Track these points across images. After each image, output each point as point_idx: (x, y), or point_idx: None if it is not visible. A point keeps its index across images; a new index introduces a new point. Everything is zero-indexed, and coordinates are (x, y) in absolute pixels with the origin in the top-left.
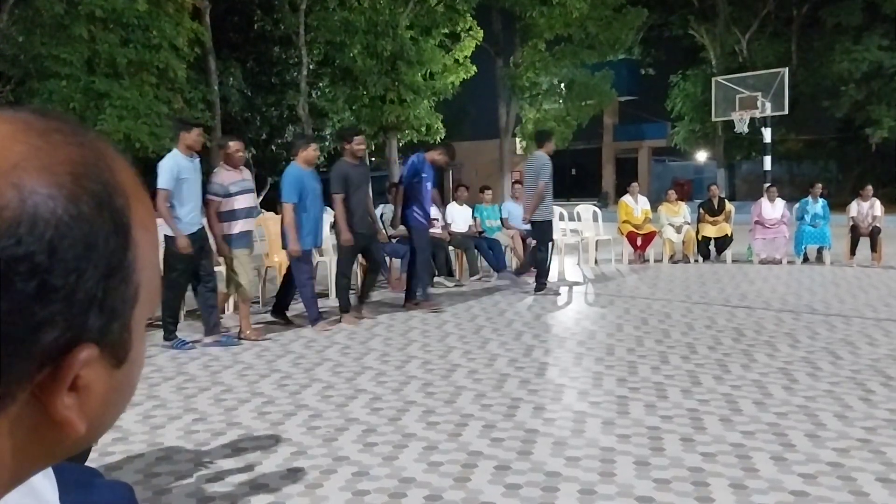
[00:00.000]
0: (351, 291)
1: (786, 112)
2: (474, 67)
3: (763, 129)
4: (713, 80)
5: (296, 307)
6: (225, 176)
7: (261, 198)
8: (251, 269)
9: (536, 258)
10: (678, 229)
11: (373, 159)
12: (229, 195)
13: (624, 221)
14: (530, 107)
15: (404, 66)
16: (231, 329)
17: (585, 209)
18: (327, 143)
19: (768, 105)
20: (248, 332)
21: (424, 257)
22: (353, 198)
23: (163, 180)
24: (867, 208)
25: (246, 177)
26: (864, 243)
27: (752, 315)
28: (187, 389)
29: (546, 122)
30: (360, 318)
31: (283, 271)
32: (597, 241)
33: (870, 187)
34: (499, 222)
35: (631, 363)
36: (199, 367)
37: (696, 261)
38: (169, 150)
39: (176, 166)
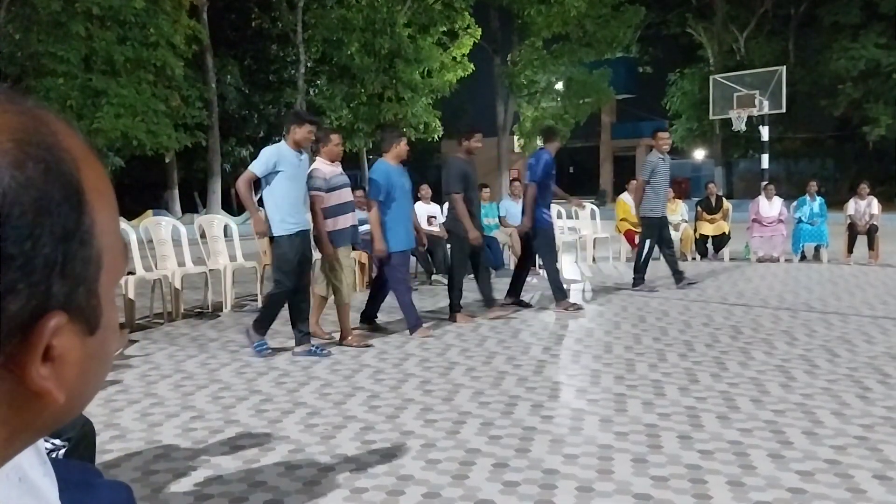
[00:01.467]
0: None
1: (783, 110)
2: (472, 65)
3: (761, 127)
4: (711, 78)
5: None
6: (326, 170)
7: (258, 196)
8: (350, 270)
9: (639, 252)
10: (676, 227)
11: (370, 157)
12: (332, 189)
13: (622, 219)
14: (528, 105)
15: (402, 64)
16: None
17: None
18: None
19: (766, 103)
20: (349, 338)
21: (552, 258)
22: (469, 196)
23: (255, 163)
24: (864, 206)
25: (342, 170)
26: (862, 241)
27: (749, 313)
28: (185, 387)
29: (544, 121)
30: (469, 319)
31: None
32: (595, 239)
33: (866, 185)
34: (496, 220)
35: (629, 361)
36: (197, 364)
37: (694, 259)
38: (160, 148)
39: (276, 155)
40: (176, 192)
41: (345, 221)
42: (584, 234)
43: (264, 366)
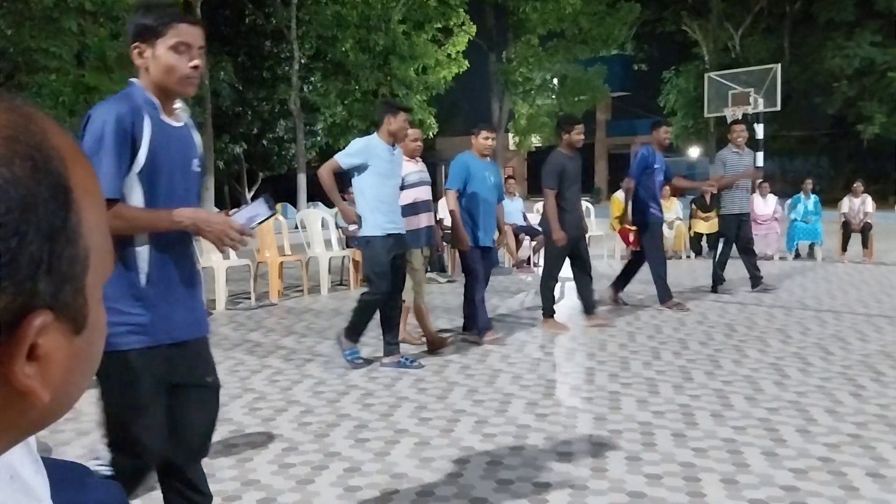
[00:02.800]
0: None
1: (778, 108)
2: (467, 62)
3: (755, 125)
4: (706, 75)
5: (288, 304)
6: (403, 165)
7: (251, 193)
8: (422, 273)
9: (719, 254)
10: (670, 225)
11: None
12: (407, 187)
13: (616, 217)
14: (523, 102)
15: (397, 61)
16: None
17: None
18: (318, 139)
19: (761, 101)
20: (435, 341)
21: (659, 257)
22: (566, 193)
23: (342, 152)
24: (858, 204)
25: (422, 167)
26: (856, 239)
27: (743, 311)
28: None
29: (539, 118)
30: (563, 327)
31: (275, 267)
32: (589, 237)
33: (861, 183)
34: None
35: (623, 359)
36: None
37: (688, 256)
38: None
39: (366, 149)
40: None
41: (419, 221)
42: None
43: (258, 364)
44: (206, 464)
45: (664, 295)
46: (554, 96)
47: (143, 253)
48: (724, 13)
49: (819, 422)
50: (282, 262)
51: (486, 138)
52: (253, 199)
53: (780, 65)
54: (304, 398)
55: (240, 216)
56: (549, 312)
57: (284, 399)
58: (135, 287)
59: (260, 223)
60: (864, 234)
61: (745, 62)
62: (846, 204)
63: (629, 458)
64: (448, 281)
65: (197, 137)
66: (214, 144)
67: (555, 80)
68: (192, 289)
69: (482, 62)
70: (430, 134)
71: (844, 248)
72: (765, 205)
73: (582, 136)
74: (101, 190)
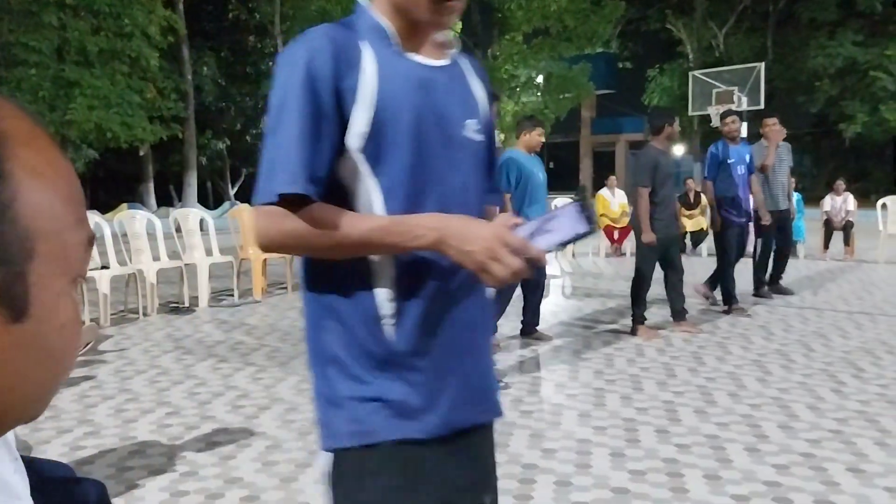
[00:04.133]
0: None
1: (762, 107)
2: None
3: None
4: (690, 74)
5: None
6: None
7: (235, 189)
8: None
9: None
10: None
11: None
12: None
13: (601, 215)
14: (508, 99)
15: None
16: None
17: (563, 202)
18: None
19: (744, 99)
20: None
21: (730, 260)
22: (660, 191)
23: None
24: (840, 203)
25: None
26: (838, 237)
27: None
28: (160, 383)
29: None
30: (654, 335)
31: (259, 264)
32: None
33: (842, 182)
34: None
35: (607, 355)
36: (172, 360)
37: None
38: (135, 140)
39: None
40: (151, 185)
41: None
42: None
43: (241, 361)
44: (188, 461)
45: (728, 300)
46: (539, 94)
47: (381, 294)
48: (708, 12)
49: (801, 418)
50: (266, 259)
51: (540, 134)
52: (235, 194)
53: (763, 63)
54: (288, 396)
55: (536, 231)
56: (640, 319)
57: (268, 397)
58: (379, 343)
59: (570, 243)
60: (845, 231)
61: (729, 61)
62: (828, 202)
63: (613, 454)
64: None
65: (477, 86)
66: (197, 140)
67: (540, 78)
68: (478, 344)
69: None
70: None
71: (826, 246)
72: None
73: (680, 129)
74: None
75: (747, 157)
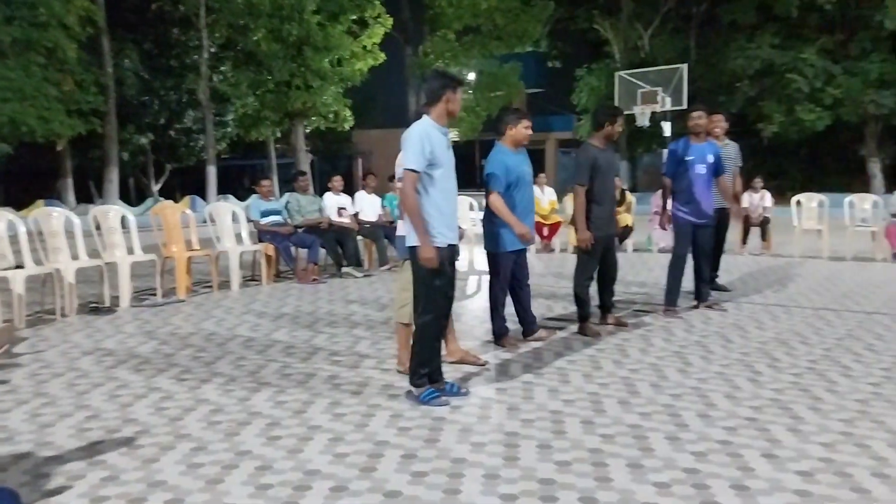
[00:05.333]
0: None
1: (685, 107)
2: (383, 55)
3: (663, 122)
4: (616, 74)
5: (206, 300)
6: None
7: (159, 185)
8: None
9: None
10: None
11: (277, 146)
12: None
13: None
14: None
15: (311, 52)
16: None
17: (462, 201)
18: (229, 130)
19: (668, 100)
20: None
21: (680, 256)
22: (598, 189)
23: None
24: (758, 199)
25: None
26: (755, 233)
27: (650, 301)
28: (79, 386)
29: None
30: (597, 332)
31: (183, 263)
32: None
33: (760, 179)
34: None
35: (536, 350)
36: (92, 362)
37: None
38: (52, 134)
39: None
40: (69, 181)
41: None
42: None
43: (164, 362)
44: (109, 466)
45: (668, 298)
46: (470, 91)
47: None
48: (634, 13)
49: (719, 406)
50: (190, 257)
51: (527, 127)
52: (160, 191)
53: (686, 65)
54: (213, 397)
55: None
56: (584, 317)
57: (193, 398)
58: None
59: None
60: (762, 227)
61: (654, 62)
62: (746, 199)
63: (540, 446)
64: (365, 275)
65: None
66: (119, 135)
67: (471, 75)
68: None
69: (398, 55)
70: (346, 126)
71: (744, 241)
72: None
73: (622, 129)
74: None
75: (710, 157)
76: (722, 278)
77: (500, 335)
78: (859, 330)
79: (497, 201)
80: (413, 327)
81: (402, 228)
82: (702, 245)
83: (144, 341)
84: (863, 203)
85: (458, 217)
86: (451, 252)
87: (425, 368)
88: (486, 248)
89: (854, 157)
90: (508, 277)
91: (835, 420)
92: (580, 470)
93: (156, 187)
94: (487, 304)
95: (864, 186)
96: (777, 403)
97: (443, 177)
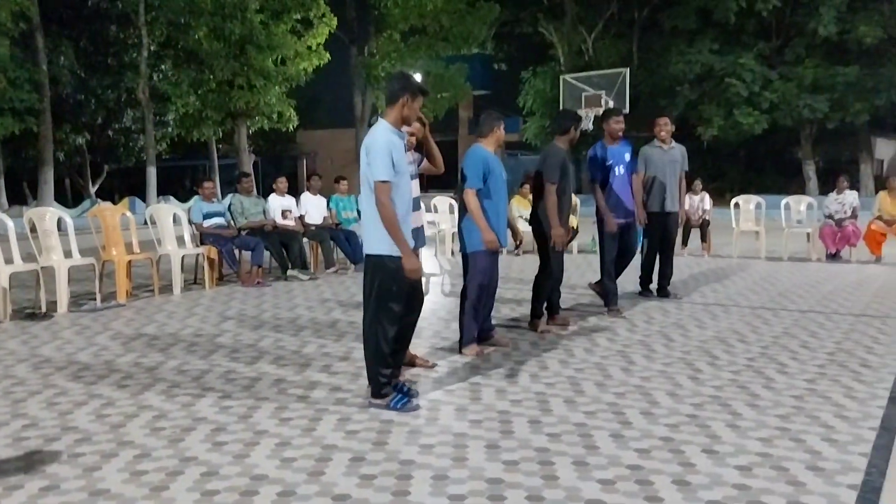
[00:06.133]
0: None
1: (627, 110)
2: (328, 55)
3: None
4: (561, 77)
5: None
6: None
7: (96, 186)
8: None
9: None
10: (528, 221)
11: (219, 147)
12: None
13: None
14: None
15: (254, 51)
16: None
17: (442, 201)
18: (169, 130)
19: (611, 103)
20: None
21: (611, 258)
22: (560, 189)
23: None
24: (698, 202)
25: (416, 158)
26: (696, 234)
27: (595, 301)
28: (15, 394)
29: None
30: (547, 330)
31: (123, 266)
32: (453, 233)
33: (700, 182)
34: (355, 213)
35: (484, 351)
36: (29, 369)
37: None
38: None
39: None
40: (1, 181)
41: (416, 220)
42: (444, 227)
43: (104, 368)
44: (48, 475)
45: (610, 300)
46: None
47: None
48: (578, 17)
49: (661, 404)
50: (130, 261)
51: (504, 129)
52: (96, 192)
53: (629, 69)
54: (156, 403)
55: None
56: (538, 314)
57: (135, 404)
58: None
59: None
60: (702, 229)
61: (598, 65)
62: (687, 201)
63: (488, 446)
64: (311, 278)
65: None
66: (54, 134)
67: (418, 76)
68: None
69: (344, 55)
70: (291, 127)
71: (685, 243)
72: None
73: (576, 136)
74: None
75: (627, 157)
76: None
77: (468, 342)
78: (795, 328)
79: (473, 201)
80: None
81: (367, 232)
82: (628, 242)
83: (83, 347)
84: (798, 205)
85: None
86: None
87: (384, 378)
88: (462, 249)
89: (790, 160)
90: (487, 279)
91: (772, 416)
92: (527, 469)
93: (93, 188)
94: (456, 307)
95: (799, 188)
96: (717, 400)
97: (403, 183)
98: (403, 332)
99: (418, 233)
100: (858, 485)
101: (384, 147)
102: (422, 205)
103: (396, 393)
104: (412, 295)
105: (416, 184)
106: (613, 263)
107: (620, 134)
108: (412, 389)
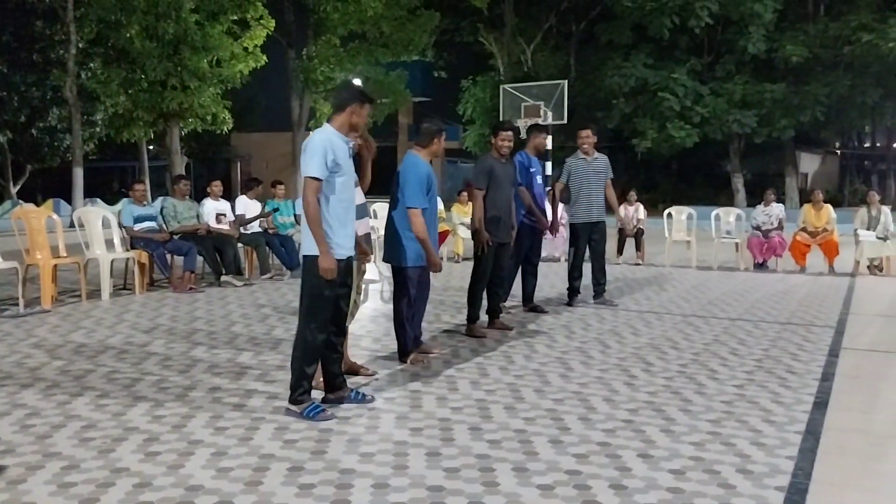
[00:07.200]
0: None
1: (565, 121)
2: (265, 57)
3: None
4: (500, 87)
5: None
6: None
7: (17, 187)
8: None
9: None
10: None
11: (150, 148)
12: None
13: None
14: (325, 101)
15: (188, 52)
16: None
17: (382, 207)
18: (97, 129)
19: (550, 114)
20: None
21: (514, 261)
22: (491, 196)
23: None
24: (632, 212)
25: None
26: (630, 243)
27: (533, 309)
28: None
29: None
30: (484, 334)
31: (48, 270)
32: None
33: (634, 193)
34: (292, 219)
35: (424, 360)
36: None
37: None
38: None
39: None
40: None
41: (357, 227)
42: (381, 234)
43: (29, 377)
44: None
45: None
46: None
47: None
48: (518, 28)
49: (598, 410)
50: (56, 265)
51: (443, 139)
52: (18, 193)
53: (566, 81)
54: (85, 412)
55: None
56: (473, 318)
57: (63, 414)
58: None
59: None
60: (636, 238)
61: (537, 76)
62: (622, 211)
63: (429, 454)
64: (245, 284)
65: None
66: None
67: (357, 82)
68: None
69: (282, 58)
70: (226, 129)
71: (620, 252)
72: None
73: (509, 144)
74: None
75: (541, 169)
76: None
77: (406, 351)
78: (724, 335)
79: (419, 222)
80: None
81: (305, 233)
82: (536, 248)
83: (5, 355)
84: (728, 216)
85: (355, 227)
86: (348, 264)
87: (306, 384)
88: (389, 261)
89: (720, 173)
90: (414, 292)
91: (703, 420)
92: (468, 476)
93: (14, 189)
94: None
95: (728, 200)
96: (651, 406)
97: (344, 185)
98: (333, 342)
99: (366, 240)
100: (786, 486)
101: (319, 145)
102: (368, 212)
103: (313, 402)
104: (344, 299)
105: (359, 191)
106: (514, 268)
107: (544, 149)
108: (367, 396)
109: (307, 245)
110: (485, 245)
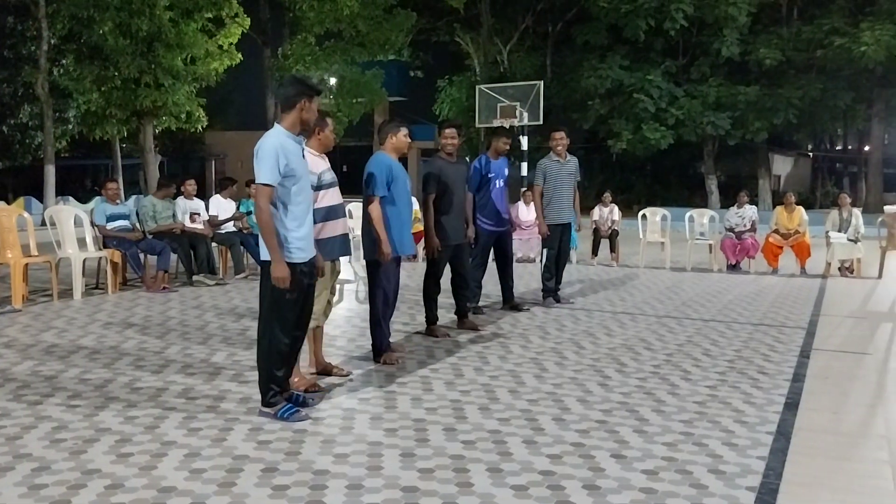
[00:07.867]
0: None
1: (541, 122)
2: (240, 55)
3: (521, 136)
4: (477, 87)
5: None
6: (314, 163)
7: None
8: (327, 290)
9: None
10: None
11: (123, 146)
12: (321, 188)
13: None
14: None
15: (162, 49)
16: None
17: (357, 207)
18: (70, 127)
19: (526, 115)
20: (295, 379)
21: (476, 263)
22: (444, 198)
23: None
24: (607, 213)
25: (328, 165)
26: (605, 244)
27: (508, 310)
28: None
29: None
30: (445, 334)
31: (19, 269)
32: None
33: (608, 194)
34: None
35: (399, 359)
36: None
37: None
38: None
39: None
40: None
41: (334, 228)
42: (357, 234)
43: (0, 377)
44: None
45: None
46: (332, 96)
47: None
48: (494, 28)
49: (572, 410)
50: (27, 264)
51: (406, 135)
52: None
53: (542, 81)
54: (56, 413)
55: None
56: (432, 320)
57: (32, 415)
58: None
59: None
60: (611, 239)
61: (513, 77)
62: (597, 212)
63: (403, 454)
64: (217, 283)
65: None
66: None
67: (333, 81)
68: None
69: (257, 57)
70: (200, 127)
71: (595, 252)
72: (528, 211)
73: (453, 142)
74: None
75: (505, 171)
76: (574, 287)
77: (381, 350)
78: (698, 336)
79: (376, 209)
80: (319, 328)
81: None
82: (504, 249)
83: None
84: (701, 218)
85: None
86: (311, 267)
87: (276, 386)
88: (366, 257)
89: (694, 174)
90: (391, 288)
91: (676, 421)
92: (442, 476)
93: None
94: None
95: (702, 202)
96: (625, 406)
97: (300, 189)
98: (293, 345)
99: (344, 240)
100: (757, 487)
101: (270, 149)
102: (345, 212)
103: (286, 402)
104: (303, 307)
105: (336, 191)
106: (479, 269)
107: (503, 153)
108: (307, 400)
109: (265, 250)
110: (434, 251)
